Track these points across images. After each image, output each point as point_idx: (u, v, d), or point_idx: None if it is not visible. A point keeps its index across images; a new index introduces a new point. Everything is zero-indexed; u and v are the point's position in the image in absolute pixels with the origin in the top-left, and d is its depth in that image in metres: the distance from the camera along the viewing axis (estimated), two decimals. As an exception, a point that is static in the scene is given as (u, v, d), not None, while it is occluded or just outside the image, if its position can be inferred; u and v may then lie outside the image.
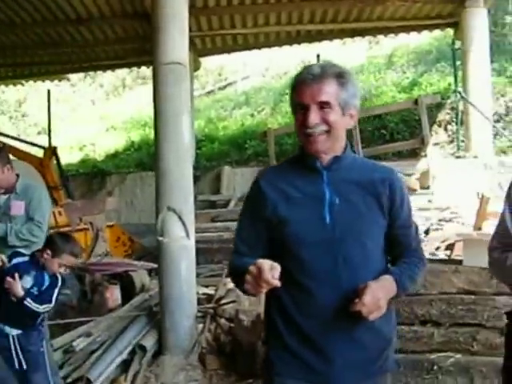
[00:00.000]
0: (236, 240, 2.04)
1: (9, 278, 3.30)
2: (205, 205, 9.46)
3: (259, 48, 11.60)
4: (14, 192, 3.86)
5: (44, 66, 11.87)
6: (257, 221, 1.96)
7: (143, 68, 13.22)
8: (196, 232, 4.95)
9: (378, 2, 9.37)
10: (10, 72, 12.23)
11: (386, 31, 10.87)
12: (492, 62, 9.80)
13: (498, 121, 9.92)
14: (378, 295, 1.77)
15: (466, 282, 4.27)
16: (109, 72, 13.91)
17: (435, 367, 3.91)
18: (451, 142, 10.16)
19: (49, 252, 3.40)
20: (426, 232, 6.53)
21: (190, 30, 5.70)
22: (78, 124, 16.45)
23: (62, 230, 6.44)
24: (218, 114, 15.09)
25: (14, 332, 3.40)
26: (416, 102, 9.27)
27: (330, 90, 1.85)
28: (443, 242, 6.03)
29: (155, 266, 5.82)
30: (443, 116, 10.51)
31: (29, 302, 3.31)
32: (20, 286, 3.31)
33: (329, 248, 1.86)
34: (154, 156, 4.97)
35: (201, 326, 4.80)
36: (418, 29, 10.76)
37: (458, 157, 9.33)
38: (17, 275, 3.32)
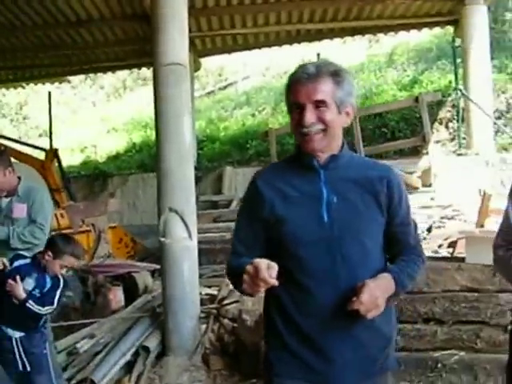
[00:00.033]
0: (234, 240, 2.03)
1: (10, 281, 3.31)
2: (207, 205, 9.46)
3: (259, 48, 11.61)
4: (15, 195, 3.86)
5: (44, 69, 11.90)
6: (254, 221, 1.95)
7: (144, 69, 13.25)
8: (198, 233, 4.95)
9: (378, 1, 9.38)
10: (10, 75, 12.26)
11: (386, 29, 10.87)
12: (492, 58, 9.80)
13: (499, 118, 9.92)
14: (375, 293, 1.76)
15: (469, 280, 4.26)
16: (109, 74, 13.95)
17: (439, 365, 3.91)
18: (452, 139, 10.15)
19: (50, 254, 3.40)
20: (429, 230, 6.52)
21: (190, 30, 5.71)
22: (79, 126, 16.49)
23: (64, 231, 6.44)
24: (219, 115, 15.10)
25: (17, 334, 3.41)
26: (417, 99, 9.27)
27: (325, 89, 1.84)
28: (445, 239, 6.02)
29: (158, 267, 5.84)
30: (444, 114, 10.50)
31: (31, 305, 3.31)
32: (22, 288, 3.32)
33: (327, 247, 1.85)
34: (156, 157, 4.97)
35: (204, 326, 4.80)
36: (418, 27, 10.77)
37: (459, 154, 9.31)
38: (18, 277, 3.33)
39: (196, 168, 6.61)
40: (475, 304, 4.11)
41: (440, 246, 5.94)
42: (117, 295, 5.97)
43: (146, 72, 14.75)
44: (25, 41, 10.23)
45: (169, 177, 4.72)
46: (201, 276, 5.27)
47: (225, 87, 18.00)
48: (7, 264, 3.42)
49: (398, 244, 1.99)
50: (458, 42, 10.07)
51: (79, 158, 14.12)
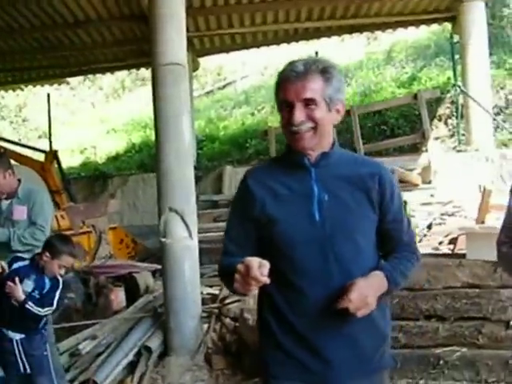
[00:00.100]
0: (225, 240, 2.01)
1: (9, 283, 3.33)
2: (207, 205, 9.45)
3: (257, 47, 11.58)
4: (16, 197, 3.86)
5: (43, 70, 11.87)
6: (245, 220, 1.93)
7: (142, 69, 13.21)
8: (199, 232, 4.95)
9: (376, -2, 9.37)
10: (9, 77, 12.23)
11: (383, 27, 10.85)
12: (491, 54, 9.79)
13: (498, 113, 9.91)
14: (365, 292, 1.75)
15: (470, 276, 4.26)
16: (108, 74, 13.94)
17: (441, 362, 3.91)
18: (452, 136, 10.15)
19: (48, 254, 3.41)
20: (429, 227, 6.53)
21: (188, 30, 5.70)
22: (78, 127, 16.49)
23: (64, 233, 6.44)
24: (218, 114, 15.10)
25: (18, 336, 3.42)
26: (415, 96, 9.26)
27: (314, 87, 1.82)
28: (446, 236, 6.02)
29: (159, 267, 5.84)
30: (443, 110, 10.49)
31: (30, 306, 3.32)
32: (21, 289, 3.33)
33: (319, 246, 1.83)
34: (155, 157, 4.97)
35: (206, 326, 4.80)
36: (416, 24, 10.73)
37: (459, 151, 9.31)
38: (17, 279, 3.34)
39: (196, 167, 6.61)
40: (476, 300, 4.11)
41: (440, 243, 5.94)
42: (118, 296, 5.97)
43: (145, 72, 14.72)
44: (23, 43, 10.21)
45: (168, 177, 4.72)
46: (202, 275, 5.26)
47: (224, 86, 18.00)
48: (6, 267, 3.43)
49: (391, 241, 1.97)
50: (456, 38, 10.07)
51: (79, 159, 14.12)
